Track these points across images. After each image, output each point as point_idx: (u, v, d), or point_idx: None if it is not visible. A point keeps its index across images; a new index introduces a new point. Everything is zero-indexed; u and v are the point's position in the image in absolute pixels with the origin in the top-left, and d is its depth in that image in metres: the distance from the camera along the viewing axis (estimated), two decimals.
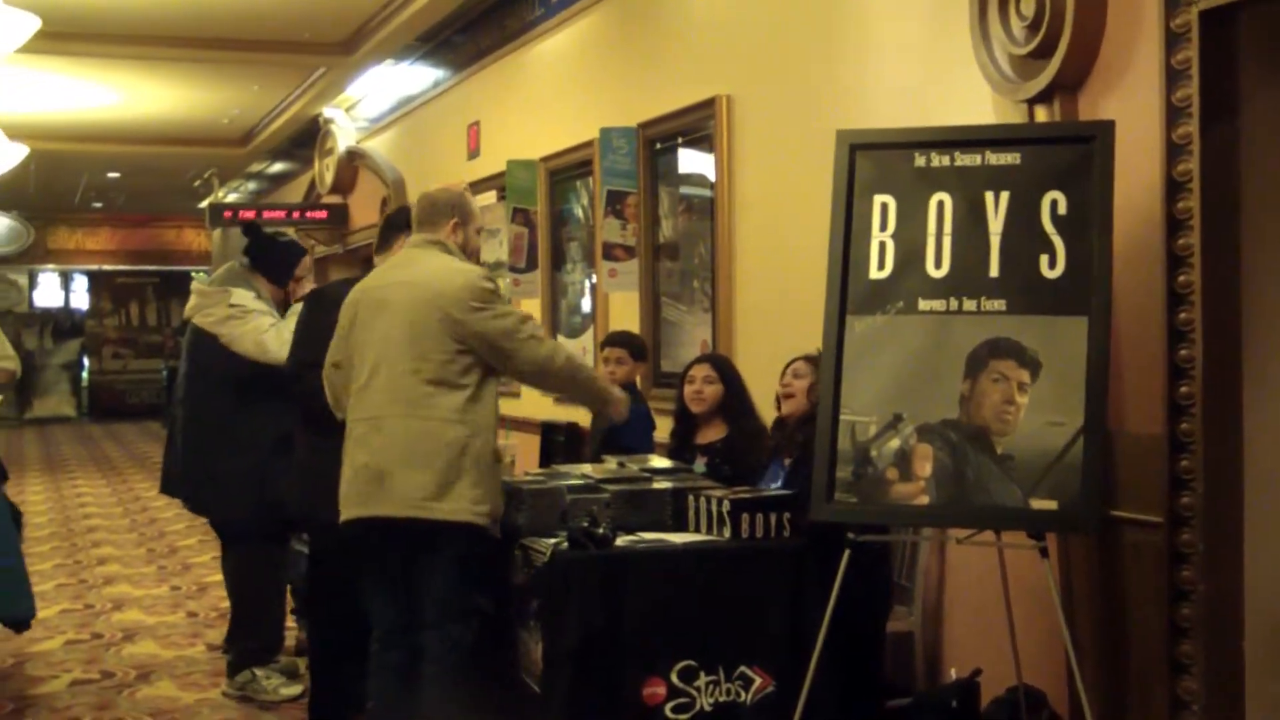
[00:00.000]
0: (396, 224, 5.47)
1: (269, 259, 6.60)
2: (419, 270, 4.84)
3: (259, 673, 6.32)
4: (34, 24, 8.32)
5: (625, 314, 7.95)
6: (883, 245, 4.43)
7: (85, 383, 28.12)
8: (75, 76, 13.33)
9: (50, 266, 27.75)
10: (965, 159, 4.37)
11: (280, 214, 14.96)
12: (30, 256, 26.86)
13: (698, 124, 7.22)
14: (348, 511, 4.79)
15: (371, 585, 4.89)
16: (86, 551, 10.61)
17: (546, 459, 8.13)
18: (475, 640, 4.83)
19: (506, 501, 4.94)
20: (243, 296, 6.42)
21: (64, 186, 21.85)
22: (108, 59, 12.53)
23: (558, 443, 8.40)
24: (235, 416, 6.31)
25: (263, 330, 6.29)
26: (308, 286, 6.52)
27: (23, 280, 27.65)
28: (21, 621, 6.93)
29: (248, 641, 6.41)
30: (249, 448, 6.24)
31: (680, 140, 7.48)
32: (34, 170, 17.49)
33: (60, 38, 8.85)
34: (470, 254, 5.07)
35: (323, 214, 14.68)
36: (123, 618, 8.15)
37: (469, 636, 4.77)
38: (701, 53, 7.28)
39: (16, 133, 13.38)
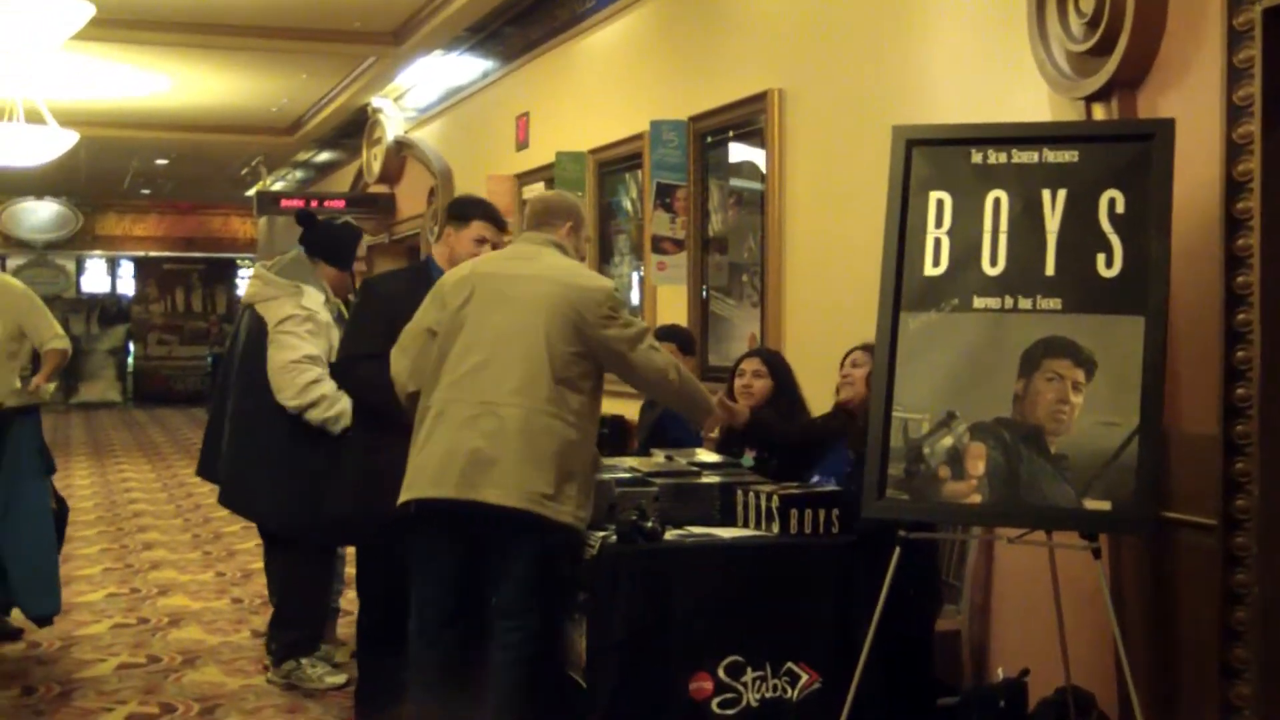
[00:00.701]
0: (446, 213, 5.66)
1: (330, 244, 6.45)
2: (546, 267, 4.85)
3: (304, 661, 6.33)
4: (88, 11, 8.37)
5: (673, 307, 7.94)
6: (938, 242, 4.41)
7: (130, 368, 28.30)
8: (126, 64, 13.41)
9: (98, 253, 27.94)
10: (1023, 156, 4.33)
11: (340, 204, 14.97)
12: (78, 243, 27.06)
13: (749, 118, 7.20)
14: (432, 490, 4.69)
15: (434, 569, 4.86)
16: (132, 536, 10.67)
17: None
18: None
19: None
20: (314, 300, 6.25)
21: (113, 173, 21.98)
22: (159, 46, 12.59)
23: (602, 435, 8.38)
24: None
25: (305, 374, 6.12)
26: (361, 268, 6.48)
27: (70, 266, 27.84)
28: (45, 618, 7.00)
29: (291, 632, 6.41)
30: (302, 445, 6.20)
31: (731, 134, 7.46)
32: (84, 157, 17.59)
33: (112, 25, 8.91)
34: (579, 260, 5.13)
35: (370, 203, 14.74)
36: (168, 603, 8.19)
37: (541, 628, 4.80)
38: (754, 47, 7.26)
39: (68, 119, 13.45)
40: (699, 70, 7.85)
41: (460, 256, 5.40)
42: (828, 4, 6.58)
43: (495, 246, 5.47)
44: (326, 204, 15.04)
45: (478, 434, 4.69)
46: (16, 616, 7.17)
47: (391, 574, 5.13)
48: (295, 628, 6.38)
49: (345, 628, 6.86)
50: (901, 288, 4.43)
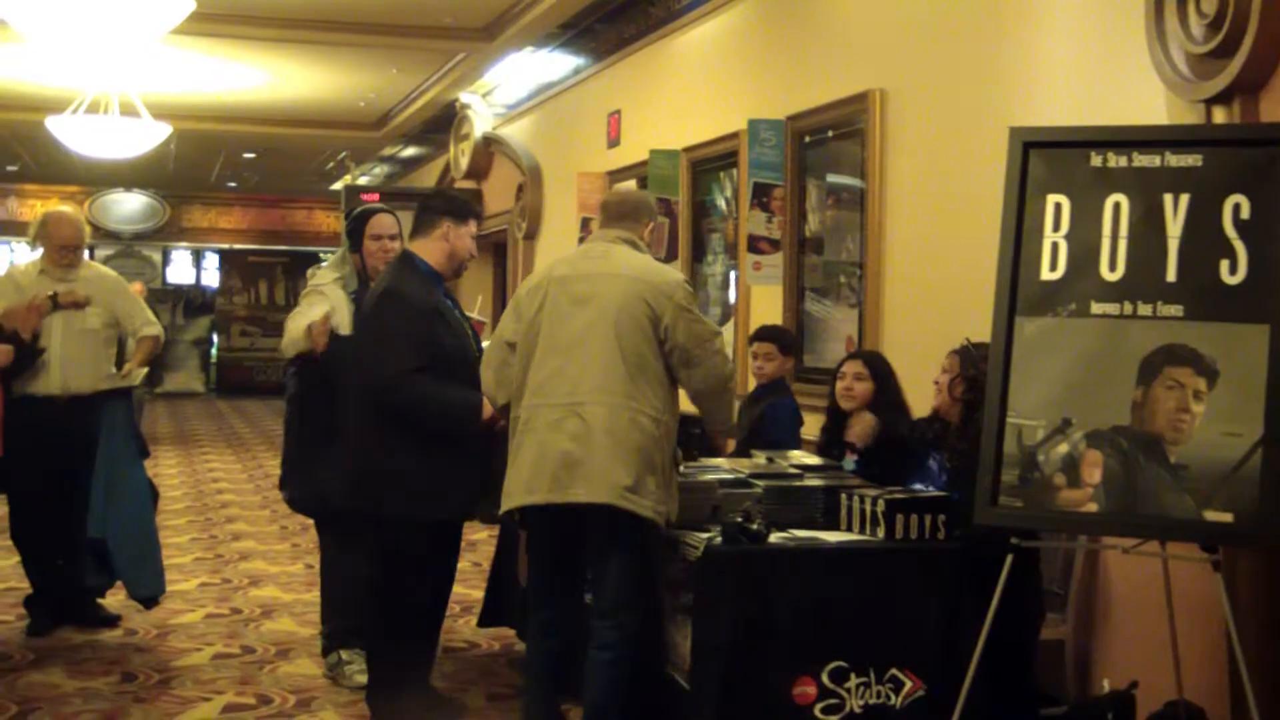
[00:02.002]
0: (435, 209, 5.64)
1: (347, 229, 6.57)
2: (622, 263, 4.88)
3: (345, 655, 6.29)
4: (188, 6, 8.42)
5: (768, 307, 7.89)
6: (1055, 246, 4.34)
7: (214, 359, 28.57)
8: (218, 57, 13.51)
9: (183, 244, 28.24)
10: (1144, 159, 4.26)
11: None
12: (164, 234, 27.37)
13: (849, 118, 7.14)
14: (527, 497, 4.79)
15: (542, 572, 4.96)
16: (221, 526, 10.74)
17: (683, 451, 8.10)
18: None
19: None
20: (323, 275, 6.39)
21: (201, 166, 22.20)
22: (251, 41, 12.69)
23: (694, 435, 8.34)
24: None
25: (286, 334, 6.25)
26: (396, 246, 6.31)
27: (156, 257, 28.13)
28: (150, 599, 7.07)
29: (341, 621, 6.40)
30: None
31: (830, 134, 7.40)
32: (174, 149, 17.79)
33: (207, 19, 8.97)
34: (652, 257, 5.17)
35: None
36: (259, 593, 8.24)
37: (638, 628, 4.79)
38: (854, 46, 7.20)
39: (160, 112, 13.59)
40: (797, 69, 7.80)
41: (459, 253, 5.63)
42: (932, 3, 6.51)
43: None
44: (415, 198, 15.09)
45: (565, 436, 4.72)
46: (111, 602, 7.23)
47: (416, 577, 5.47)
48: (346, 616, 6.34)
49: None
50: (1017, 292, 4.37)
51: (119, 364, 7.30)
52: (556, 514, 4.81)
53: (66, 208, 7.81)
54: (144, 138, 13.49)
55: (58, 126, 13.17)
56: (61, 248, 7.08)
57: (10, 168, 23.28)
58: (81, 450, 6.79)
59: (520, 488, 4.83)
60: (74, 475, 6.77)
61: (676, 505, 4.84)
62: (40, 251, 7.21)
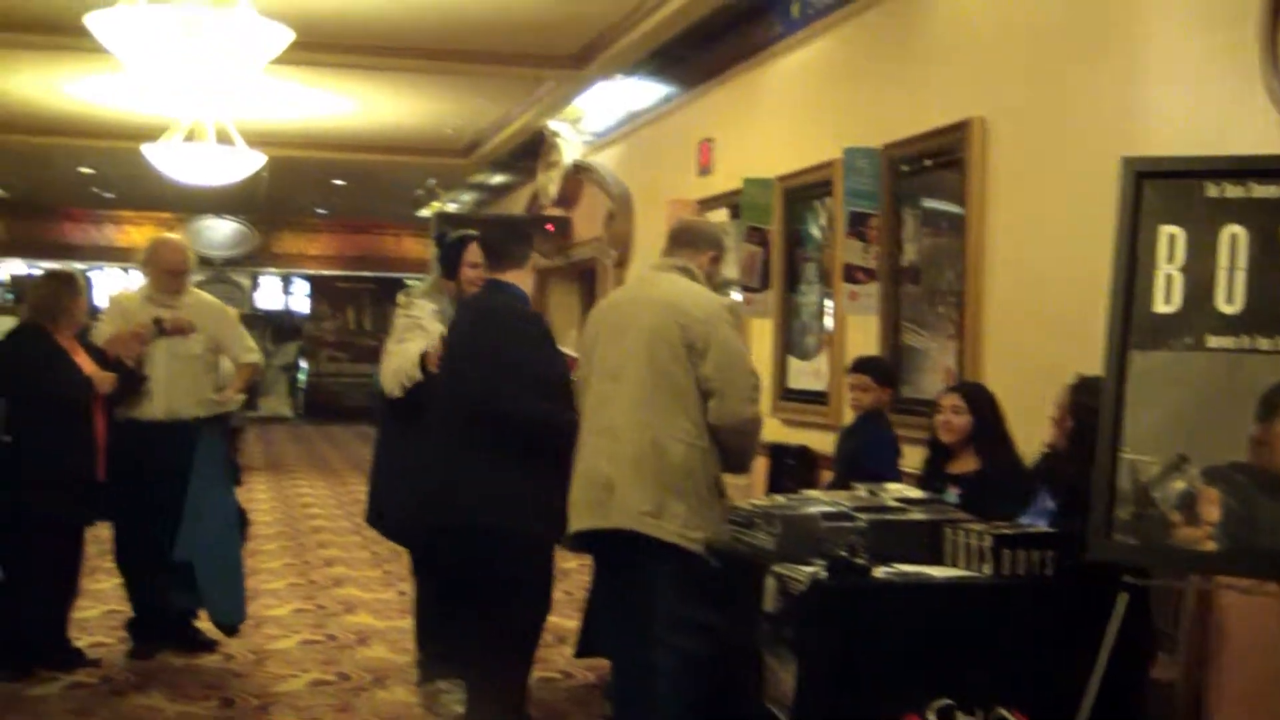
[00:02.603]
0: (527, 239, 5.73)
1: (440, 257, 6.58)
2: (664, 289, 4.94)
3: (443, 685, 6.29)
4: (288, 36, 8.49)
5: (863, 337, 7.83)
6: (1169, 278, 4.26)
7: (302, 384, 28.80)
8: (310, 85, 13.63)
9: (272, 270, 28.53)
10: (1262, 190, 4.18)
11: (548, 227, 15.05)
12: (255, 260, 27.65)
13: (948, 147, 7.08)
14: (578, 523, 4.90)
15: (602, 599, 5.00)
16: (313, 552, 10.82)
17: (776, 482, 8.06)
18: (711, 660, 4.83)
19: (758, 525, 4.93)
20: (421, 309, 6.42)
21: (291, 192, 22.40)
22: (342, 69, 12.78)
23: (788, 466, 8.31)
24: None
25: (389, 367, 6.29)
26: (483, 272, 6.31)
27: (246, 283, 28.44)
28: (230, 626, 7.11)
29: (437, 646, 6.40)
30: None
31: (928, 162, 7.34)
32: (265, 176, 17.94)
33: (300, 47, 9.03)
34: (715, 287, 5.21)
35: (550, 227, 14.79)
36: (354, 620, 8.27)
37: (699, 653, 4.77)
38: (953, 73, 7.14)
39: (253, 139, 13.72)
40: (893, 97, 7.74)
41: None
42: (1035, 31, 6.44)
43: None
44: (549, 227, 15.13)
45: (603, 461, 4.86)
46: (209, 627, 7.28)
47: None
48: (442, 641, 6.33)
49: None
50: (1130, 325, 4.29)
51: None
52: (606, 539, 4.87)
53: (174, 235, 7.91)
54: (238, 165, 13.61)
55: (154, 154, 13.32)
56: (168, 273, 7.18)
57: (107, 195, 23.61)
58: (180, 474, 6.87)
59: (573, 513, 4.99)
60: (172, 499, 6.84)
61: (721, 529, 4.87)
62: (146, 279, 7.30)
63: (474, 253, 6.27)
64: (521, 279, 5.58)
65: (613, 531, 4.82)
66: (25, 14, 10.89)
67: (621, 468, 4.78)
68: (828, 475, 7.38)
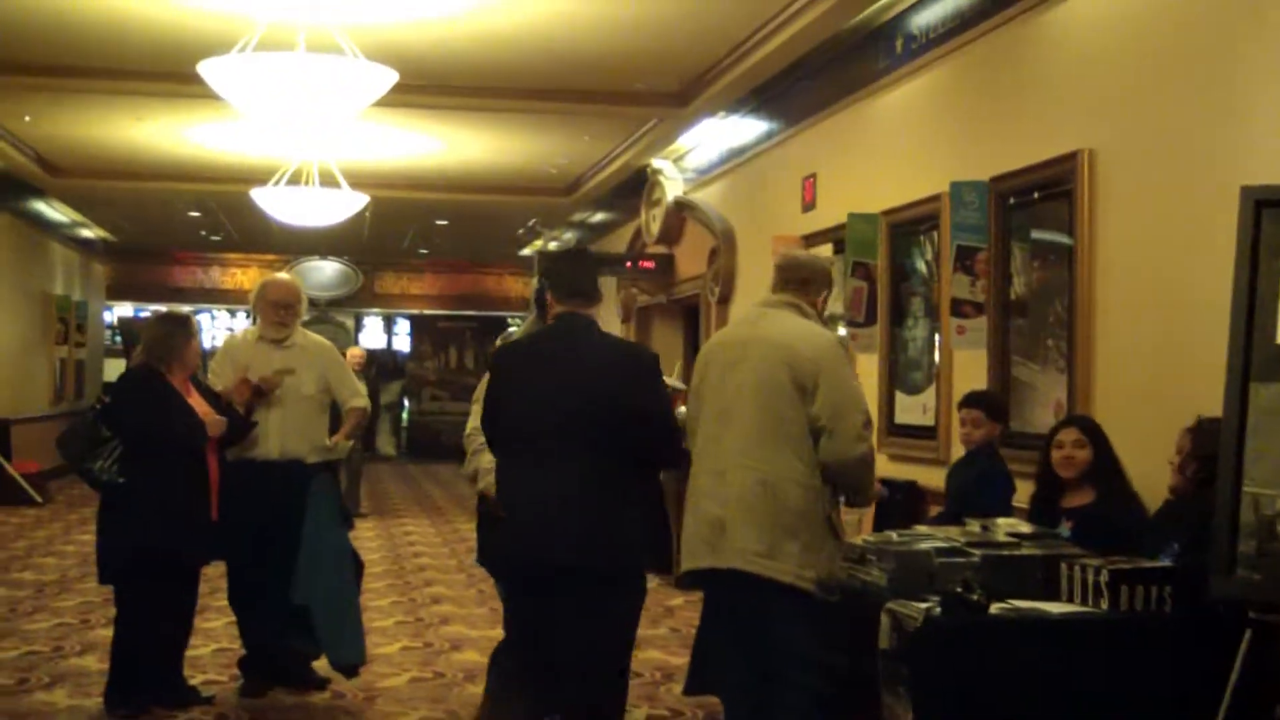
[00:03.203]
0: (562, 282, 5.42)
1: (535, 297, 6.52)
2: (776, 327, 4.92)
3: None
4: (392, 78, 8.60)
5: (971, 371, 7.76)
6: None
7: (405, 423, 29.03)
8: (412, 127, 13.78)
9: (375, 310, 28.84)
10: None
11: (627, 265, 15.14)
12: (357, 300, 27.97)
13: (1057, 178, 7.01)
14: (690, 562, 4.90)
15: (714, 638, 4.99)
16: (420, 590, 10.87)
17: (884, 518, 7.99)
18: (831, 698, 4.79)
19: (870, 561, 4.91)
20: None
21: (393, 233, 22.65)
22: (445, 110, 12.92)
23: (894, 501, 8.24)
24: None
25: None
26: None
27: (349, 322, 28.76)
28: (350, 667, 7.15)
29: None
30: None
31: (1036, 195, 7.28)
32: (369, 217, 18.17)
33: (403, 89, 9.15)
34: (822, 323, 5.16)
35: (650, 264, 14.85)
36: (462, 658, 8.29)
37: (819, 691, 4.74)
38: (1061, 105, 7.08)
39: (357, 181, 13.91)
40: (1000, 130, 7.69)
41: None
42: (1145, 60, 6.38)
43: None
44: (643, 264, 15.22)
45: (715, 502, 4.85)
46: (321, 665, 7.32)
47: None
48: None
49: None
50: (1250, 357, 4.23)
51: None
52: (723, 580, 4.86)
53: (283, 274, 8.03)
54: (343, 207, 13.80)
55: (262, 197, 13.54)
56: (275, 304, 7.27)
57: (214, 238, 24.02)
58: (292, 516, 6.93)
59: (686, 552, 4.99)
60: (285, 539, 6.90)
61: (836, 568, 4.84)
62: (256, 317, 7.40)
63: None
64: (608, 318, 5.56)
65: (727, 571, 4.79)
66: (150, 63, 11.13)
67: (732, 508, 4.77)
68: (936, 510, 7.31)
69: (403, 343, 29.54)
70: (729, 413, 4.88)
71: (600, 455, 4.99)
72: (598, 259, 5.70)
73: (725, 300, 12.71)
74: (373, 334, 29.43)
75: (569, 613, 5.06)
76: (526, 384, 5.17)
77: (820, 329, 5.03)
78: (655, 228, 14.69)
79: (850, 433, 4.77)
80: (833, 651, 4.82)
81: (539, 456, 5.07)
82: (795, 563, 4.69)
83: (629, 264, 14.95)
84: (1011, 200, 7.49)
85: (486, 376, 5.63)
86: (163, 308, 24.97)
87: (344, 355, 9.68)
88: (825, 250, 9.93)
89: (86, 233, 22.77)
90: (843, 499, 5.05)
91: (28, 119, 14.10)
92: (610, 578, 5.05)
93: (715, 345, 5.19)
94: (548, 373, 5.13)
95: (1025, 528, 5.42)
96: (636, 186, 15.35)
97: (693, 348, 14.39)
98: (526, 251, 23.33)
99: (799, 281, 5.08)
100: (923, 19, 8.60)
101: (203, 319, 26.84)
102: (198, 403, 6.77)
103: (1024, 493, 6.27)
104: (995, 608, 4.64)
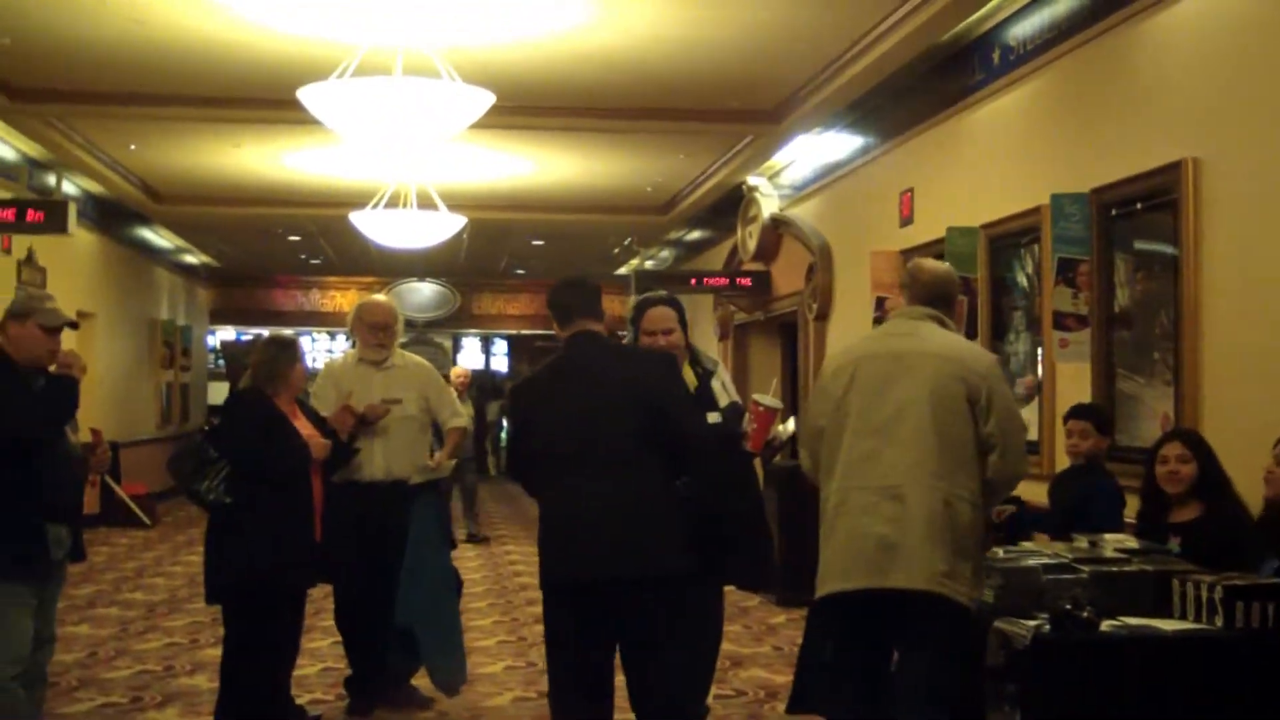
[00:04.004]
0: (573, 305, 5.40)
1: (630, 319, 6.47)
2: (927, 341, 4.83)
3: None
4: (489, 99, 8.65)
5: (1075, 385, 7.67)
6: None
7: (503, 443, 29.15)
8: (508, 148, 13.86)
9: (473, 330, 29.02)
10: None
11: (722, 281, 15.16)
12: (455, 321, 28.15)
13: (1160, 189, 6.93)
14: (839, 583, 4.76)
15: (851, 660, 4.89)
16: (522, 609, 10.89)
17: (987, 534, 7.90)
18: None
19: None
20: None
21: (491, 254, 22.78)
22: (544, 130, 12.98)
23: (1026, 520, 8.14)
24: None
25: None
26: (671, 341, 6.21)
27: (447, 344, 28.96)
28: (452, 687, 7.18)
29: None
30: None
31: (1139, 205, 7.19)
32: (466, 239, 18.29)
33: (500, 110, 9.21)
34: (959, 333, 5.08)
35: (726, 281, 14.87)
36: None
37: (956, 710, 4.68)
38: (1163, 114, 7.00)
39: (454, 202, 14.00)
40: (1101, 141, 7.61)
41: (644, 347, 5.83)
42: (1250, 66, 6.29)
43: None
44: (706, 281, 15.25)
45: (881, 520, 4.69)
46: (425, 685, 7.36)
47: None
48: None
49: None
50: None
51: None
52: (870, 600, 4.76)
53: (378, 296, 8.10)
54: (441, 228, 13.89)
55: (360, 221, 13.66)
56: (372, 326, 7.34)
57: (314, 261, 24.29)
58: (397, 535, 6.99)
59: (836, 573, 4.82)
60: (390, 559, 6.96)
61: (984, 589, 4.75)
62: (355, 339, 7.48)
63: (648, 321, 6.10)
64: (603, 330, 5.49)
65: (893, 593, 4.68)
66: (250, 89, 11.31)
67: (909, 528, 4.64)
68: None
69: (500, 363, 29.70)
70: (892, 428, 4.76)
71: (634, 465, 5.02)
72: (597, 285, 5.62)
73: (823, 317, 12.67)
74: (470, 354, 29.64)
75: (635, 623, 5.03)
76: (557, 404, 5.21)
77: (979, 345, 4.99)
78: (751, 244, 14.67)
79: (1019, 450, 4.76)
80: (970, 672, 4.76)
81: (574, 473, 5.07)
82: (969, 584, 4.64)
83: (744, 281, 14.93)
84: (1114, 211, 7.40)
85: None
86: (264, 331, 25.37)
87: (447, 376, 9.75)
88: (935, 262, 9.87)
89: (190, 258, 23.12)
90: None
91: (133, 148, 14.35)
92: (656, 584, 5.00)
93: (860, 357, 5.02)
94: (575, 390, 5.19)
95: (1134, 543, 5.34)
96: (732, 204, 15.35)
97: (790, 365, 14.34)
98: (622, 271, 23.37)
99: (937, 294, 5.03)
100: (1020, 30, 8.54)
101: (303, 342, 27.15)
102: (303, 425, 6.83)
103: (1131, 507, 6.18)
104: (1106, 625, 4.58)
